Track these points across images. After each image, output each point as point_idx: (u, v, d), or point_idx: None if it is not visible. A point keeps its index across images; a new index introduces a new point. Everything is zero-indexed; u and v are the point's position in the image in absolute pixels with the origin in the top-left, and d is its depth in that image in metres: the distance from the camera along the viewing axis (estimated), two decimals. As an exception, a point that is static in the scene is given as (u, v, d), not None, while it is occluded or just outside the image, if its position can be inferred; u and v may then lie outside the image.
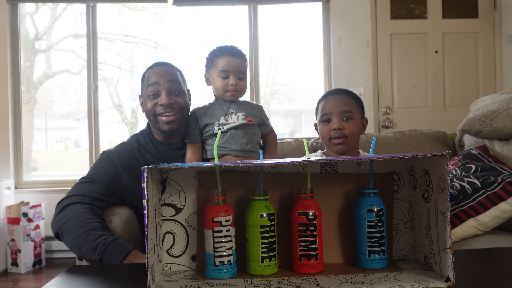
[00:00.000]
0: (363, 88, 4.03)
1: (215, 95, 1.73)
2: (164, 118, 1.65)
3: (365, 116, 1.78)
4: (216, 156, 1.05)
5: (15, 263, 3.70)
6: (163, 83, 1.65)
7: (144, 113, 1.73)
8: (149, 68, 1.72)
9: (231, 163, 1.02)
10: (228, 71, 1.65)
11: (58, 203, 1.59)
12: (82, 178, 1.67)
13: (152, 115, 1.67)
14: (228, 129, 1.64)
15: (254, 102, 1.81)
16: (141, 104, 1.74)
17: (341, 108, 1.65)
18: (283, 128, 5.44)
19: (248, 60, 1.74)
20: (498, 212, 1.75)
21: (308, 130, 5.46)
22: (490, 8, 4.09)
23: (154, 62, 1.75)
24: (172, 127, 1.66)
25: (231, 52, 1.66)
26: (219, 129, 1.64)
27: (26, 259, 3.70)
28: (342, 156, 1.69)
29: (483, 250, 1.40)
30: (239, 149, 1.64)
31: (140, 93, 1.75)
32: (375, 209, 1.10)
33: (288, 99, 5.30)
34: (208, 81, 1.72)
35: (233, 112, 1.66)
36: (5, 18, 4.07)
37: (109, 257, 1.39)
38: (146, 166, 0.94)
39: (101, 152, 1.76)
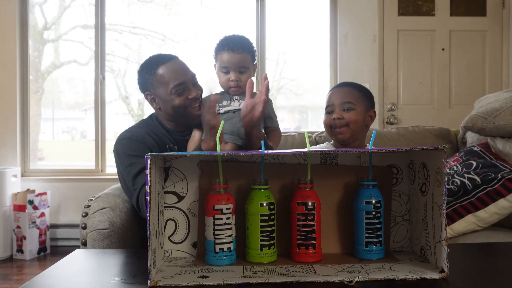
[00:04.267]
0: (369, 84, 4.03)
1: None
2: (195, 112, 1.67)
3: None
4: (218, 145, 1.07)
5: (20, 250, 3.75)
6: (188, 79, 1.68)
7: (161, 108, 1.71)
8: (158, 66, 1.68)
9: (233, 152, 1.05)
10: (228, 67, 1.62)
11: (137, 204, 1.58)
12: (130, 166, 1.62)
13: (183, 109, 1.67)
14: (226, 112, 1.61)
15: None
16: (152, 100, 1.72)
17: (342, 100, 1.68)
18: (289, 123, 5.44)
19: (254, 50, 1.68)
20: (497, 208, 1.76)
21: (313, 125, 5.47)
22: (498, 6, 4.08)
23: (152, 57, 1.73)
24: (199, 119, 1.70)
25: (230, 47, 1.61)
26: (218, 110, 1.62)
27: (31, 246, 3.75)
28: (343, 147, 1.71)
29: (479, 245, 1.42)
30: (229, 132, 1.59)
31: (149, 91, 1.71)
32: (373, 201, 1.12)
33: (294, 94, 5.31)
34: (217, 73, 1.70)
35: (236, 99, 1.63)
36: (15, 8, 4.10)
37: None
38: (149, 154, 0.96)
39: (118, 140, 1.71)
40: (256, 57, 1.70)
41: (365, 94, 1.74)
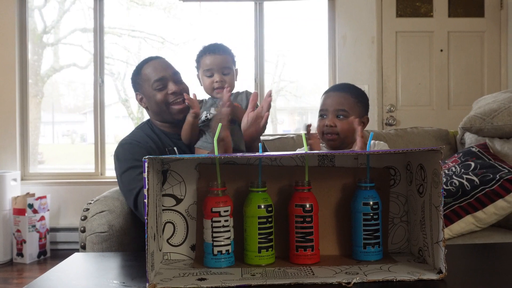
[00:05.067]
0: (368, 86, 4.04)
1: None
2: (176, 106, 1.71)
3: (369, 113, 1.77)
4: (216, 148, 1.07)
5: (20, 254, 3.75)
6: (168, 75, 1.73)
7: (148, 107, 1.78)
8: (143, 65, 1.76)
9: (230, 155, 1.05)
10: (211, 70, 1.66)
11: (136, 204, 1.59)
12: (129, 169, 1.64)
13: (164, 105, 1.71)
14: (213, 117, 1.63)
15: (241, 90, 1.79)
16: (140, 100, 1.79)
17: (337, 107, 1.65)
18: (289, 125, 5.45)
19: (234, 55, 1.72)
20: (495, 209, 1.76)
21: (313, 128, 5.47)
22: (496, 7, 4.09)
23: (141, 60, 1.80)
24: (184, 114, 1.71)
25: (212, 50, 1.67)
26: (206, 116, 1.66)
27: (31, 249, 3.75)
28: (339, 150, 1.70)
29: (478, 245, 1.43)
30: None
31: (138, 91, 1.79)
32: (371, 203, 1.12)
33: (294, 96, 5.31)
34: (200, 81, 1.74)
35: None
36: (14, 12, 4.11)
37: None
38: (147, 157, 0.97)
39: (119, 144, 1.73)
40: (236, 62, 1.74)
41: (360, 100, 1.71)
